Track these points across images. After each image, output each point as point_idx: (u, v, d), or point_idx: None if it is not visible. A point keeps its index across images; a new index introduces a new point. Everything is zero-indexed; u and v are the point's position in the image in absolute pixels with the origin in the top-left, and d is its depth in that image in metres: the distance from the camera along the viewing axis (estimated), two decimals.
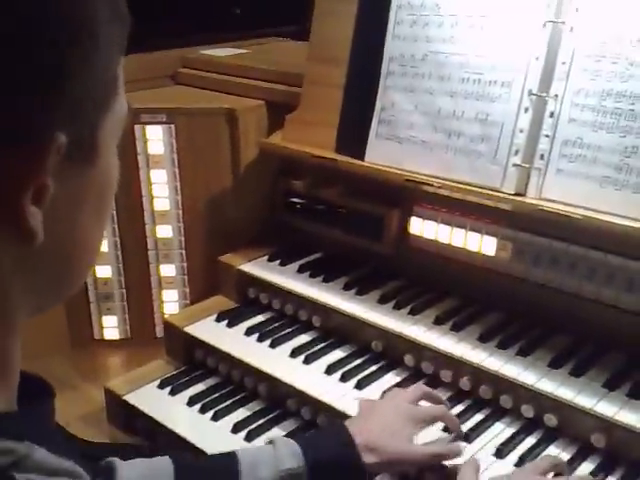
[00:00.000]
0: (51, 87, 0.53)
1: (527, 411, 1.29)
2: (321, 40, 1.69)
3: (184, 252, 1.87)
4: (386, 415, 1.18)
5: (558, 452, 1.23)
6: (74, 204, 0.59)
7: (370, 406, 1.23)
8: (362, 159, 1.57)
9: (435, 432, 1.27)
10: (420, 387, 1.30)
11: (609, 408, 1.20)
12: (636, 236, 1.22)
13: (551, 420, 1.26)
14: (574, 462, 1.20)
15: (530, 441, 1.26)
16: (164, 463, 1.04)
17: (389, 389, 1.37)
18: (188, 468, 1.05)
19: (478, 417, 1.32)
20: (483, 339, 1.41)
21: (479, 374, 1.35)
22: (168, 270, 1.88)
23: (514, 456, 1.22)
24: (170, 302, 1.91)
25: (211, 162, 1.81)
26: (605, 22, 1.25)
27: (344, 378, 1.44)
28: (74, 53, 0.53)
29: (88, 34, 0.54)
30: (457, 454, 1.18)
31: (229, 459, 1.07)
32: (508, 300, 1.49)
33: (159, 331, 1.90)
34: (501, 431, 1.29)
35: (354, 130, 1.60)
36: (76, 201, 0.59)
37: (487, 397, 1.35)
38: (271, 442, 1.11)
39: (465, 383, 1.37)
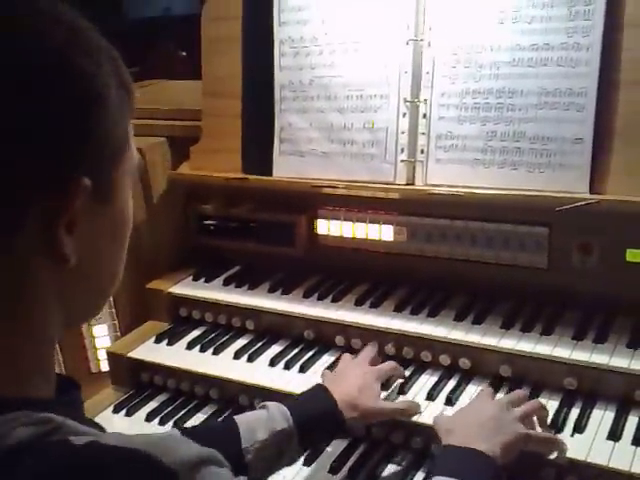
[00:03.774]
0: (75, 143, 0.69)
1: (444, 360, 1.55)
2: (213, 77, 1.89)
3: None
4: (358, 377, 1.38)
5: (476, 388, 1.49)
6: (97, 235, 0.74)
7: (339, 371, 1.43)
8: (270, 175, 1.78)
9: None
10: (367, 350, 1.51)
11: (509, 342, 1.48)
12: (503, 202, 1.53)
13: (465, 363, 1.53)
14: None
15: (452, 383, 1.51)
16: (172, 432, 1.17)
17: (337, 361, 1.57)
18: (194, 434, 1.17)
19: (406, 373, 1.55)
20: (398, 309, 1.66)
21: (400, 339, 1.60)
22: None
23: (442, 397, 1.46)
24: (101, 337, 1.99)
25: None
26: (453, 35, 1.56)
27: (287, 366, 1.63)
28: (92, 116, 0.70)
29: (101, 102, 0.71)
30: (417, 410, 1.40)
31: (229, 424, 1.22)
32: (411, 275, 1.75)
33: (94, 366, 1.98)
34: (427, 380, 1.53)
35: (258, 152, 1.81)
36: (99, 232, 0.74)
37: (409, 356, 1.59)
38: (264, 407, 1.27)
39: (390, 349, 1.60)
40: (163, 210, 2.00)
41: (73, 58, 0.69)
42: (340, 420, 1.29)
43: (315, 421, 1.26)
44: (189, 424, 1.61)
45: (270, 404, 1.27)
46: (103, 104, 0.71)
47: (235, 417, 1.25)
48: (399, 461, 1.41)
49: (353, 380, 1.36)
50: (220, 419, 1.56)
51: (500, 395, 1.44)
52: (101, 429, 0.78)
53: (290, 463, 1.26)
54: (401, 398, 1.47)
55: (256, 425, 1.22)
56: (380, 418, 1.38)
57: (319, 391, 1.33)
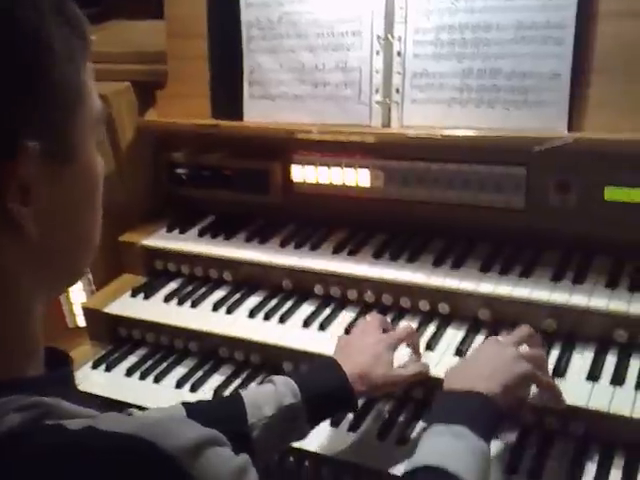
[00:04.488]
0: (16, 104, 0.63)
1: (424, 305, 1.54)
2: (177, 17, 1.79)
3: None
4: (370, 347, 1.30)
5: (455, 332, 1.49)
6: (64, 200, 0.68)
7: (349, 341, 1.35)
8: (241, 120, 1.71)
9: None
10: (376, 316, 1.42)
11: (488, 286, 1.47)
12: (481, 143, 1.49)
13: (444, 308, 1.52)
14: (469, 336, 1.46)
15: (431, 329, 1.51)
16: (176, 408, 1.15)
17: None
18: (198, 410, 1.15)
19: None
20: (376, 256, 1.63)
21: (379, 286, 1.58)
22: None
23: (422, 343, 1.45)
24: (76, 291, 1.95)
25: None
26: None
27: (267, 317, 1.61)
28: (34, 71, 0.63)
29: (45, 54, 0.64)
30: (428, 370, 1.34)
31: (234, 398, 1.19)
32: (389, 220, 1.72)
33: (70, 322, 1.96)
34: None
35: (227, 95, 1.73)
36: (66, 197, 0.68)
37: (388, 303, 1.58)
38: (270, 381, 1.22)
39: (369, 296, 1.59)
40: (132, 159, 1.93)
41: (10, 9, 0.62)
42: (350, 396, 1.23)
43: (324, 397, 1.21)
44: (170, 378, 1.61)
45: (277, 378, 1.22)
46: (47, 56, 0.64)
47: (241, 391, 1.21)
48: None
49: (364, 351, 1.28)
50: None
51: (480, 338, 1.45)
52: (94, 403, 0.75)
53: (299, 438, 1.22)
54: None
55: (263, 400, 1.17)
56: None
57: (329, 365, 1.26)
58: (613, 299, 1.37)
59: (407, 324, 1.45)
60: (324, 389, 1.21)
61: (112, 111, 1.85)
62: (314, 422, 1.22)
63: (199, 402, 1.20)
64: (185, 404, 1.17)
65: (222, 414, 1.17)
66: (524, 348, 1.24)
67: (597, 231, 1.50)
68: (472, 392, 1.10)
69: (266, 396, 1.19)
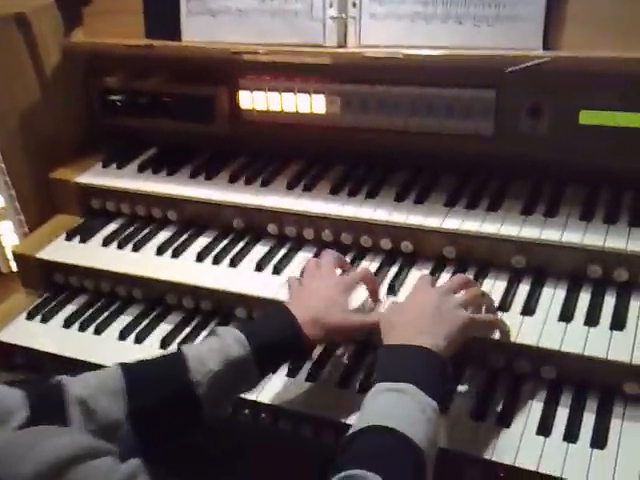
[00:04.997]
0: None
1: (385, 244, 1.43)
2: None
3: (8, 179, 1.73)
4: (322, 289, 1.20)
5: (420, 271, 1.38)
6: None
7: (301, 284, 1.25)
8: (179, 40, 1.52)
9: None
10: (330, 253, 1.31)
11: (453, 222, 1.36)
12: (448, 64, 1.34)
13: (407, 247, 1.41)
14: (434, 275, 1.36)
15: (394, 269, 1.40)
16: (111, 370, 1.04)
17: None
18: (135, 369, 1.05)
19: (347, 259, 1.42)
20: (334, 192, 1.50)
21: (338, 224, 1.46)
22: None
23: (384, 285, 1.35)
24: (8, 234, 1.79)
25: (12, 75, 1.64)
26: None
27: (216, 261, 1.48)
28: None
29: None
30: None
31: (175, 356, 1.08)
32: (347, 151, 1.58)
33: (3, 267, 1.80)
34: (367, 267, 1.41)
35: (162, 11, 1.53)
36: None
37: (348, 242, 1.46)
38: (214, 333, 1.11)
39: (327, 235, 1.47)
40: (59, 86, 1.73)
41: None
42: (302, 342, 1.13)
43: (274, 345, 1.11)
44: (113, 327, 1.48)
45: (221, 329, 1.11)
46: None
47: (183, 347, 1.10)
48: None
49: (316, 295, 1.19)
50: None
51: (446, 276, 1.35)
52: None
53: (249, 389, 1.14)
54: None
55: (207, 355, 1.07)
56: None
57: (278, 311, 1.16)
58: (588, 233, 1.28)
59: (365, 267, 1.35)
60: (273, 337, 1.12)
61: (33, 32, 1.64)
62: (265, 372, 1.14)
63: (138, 362, 1.08)
64: (122, 365, 1.05)
65: (163, 374, 1.06)
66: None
67: (571, 158, 1.39)
68: (418, 347, 1.03)
69: (210, 350, 1.08)
